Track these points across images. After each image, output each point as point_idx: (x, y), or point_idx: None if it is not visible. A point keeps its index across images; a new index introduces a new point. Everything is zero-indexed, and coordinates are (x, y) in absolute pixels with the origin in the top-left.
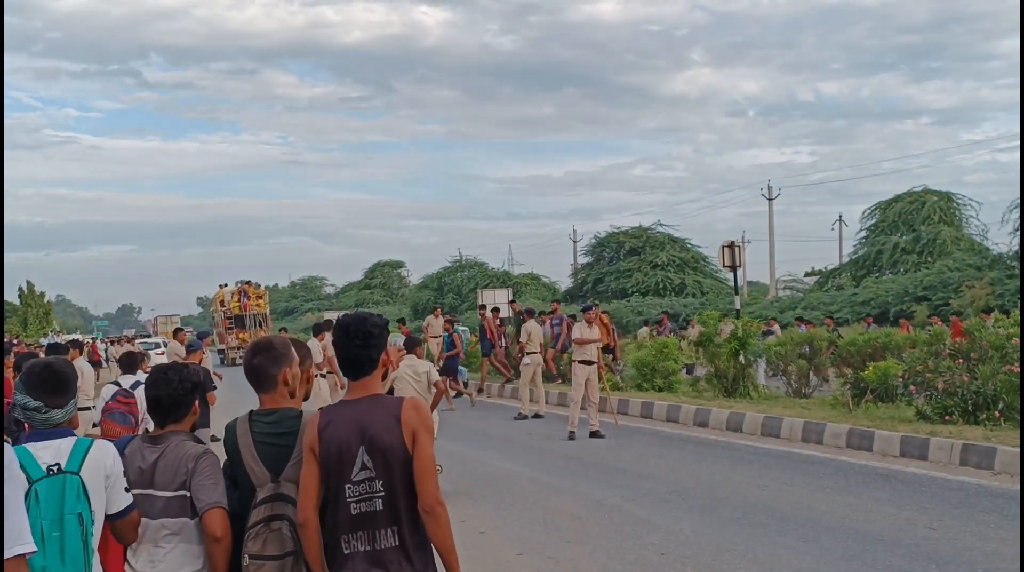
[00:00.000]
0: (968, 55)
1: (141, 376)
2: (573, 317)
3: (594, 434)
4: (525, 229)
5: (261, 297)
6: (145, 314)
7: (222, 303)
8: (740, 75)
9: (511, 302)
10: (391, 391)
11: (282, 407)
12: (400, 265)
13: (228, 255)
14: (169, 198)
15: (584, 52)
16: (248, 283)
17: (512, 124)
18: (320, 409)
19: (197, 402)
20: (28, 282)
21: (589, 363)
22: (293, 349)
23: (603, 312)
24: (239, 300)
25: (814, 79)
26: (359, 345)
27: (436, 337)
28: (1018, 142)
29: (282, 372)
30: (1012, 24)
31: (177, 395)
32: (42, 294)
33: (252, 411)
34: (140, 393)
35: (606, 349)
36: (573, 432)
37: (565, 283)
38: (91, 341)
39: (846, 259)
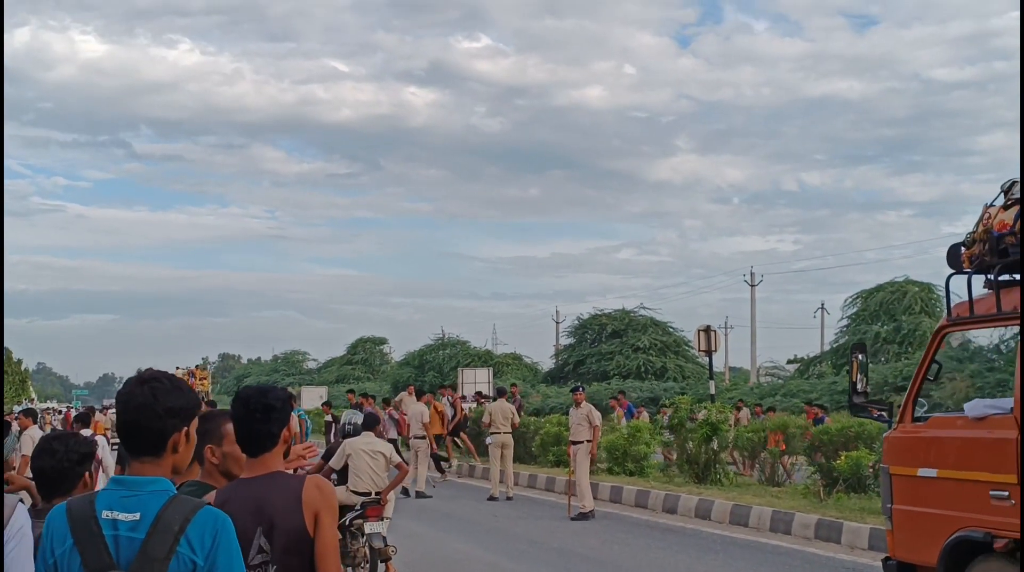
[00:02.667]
0: (948, 150)
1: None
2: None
3: (582, 515)
4: (509, 309)
5: (204, 378)
6: None
7: None
8: (724, 163)
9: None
10: (345, 467)
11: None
12: (383, 341)
13: (211, 327)
14: (154, 269)
15: (570, 136)
16: (197, 367)
17: (498, 204)
18: (216, 489)
19: (88, 474)
20: (6, 349)
21: (577, 443)
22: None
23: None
24: (188, 379)
25: (797, 169)
26: (259, 419)
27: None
28: None
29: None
30: (990, 121)
31: (62, 467)
32: (19, 361)
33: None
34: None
35: None
36: (586, 513)
37: (547, 364)
38: (65, 410)
39: (827, 347)
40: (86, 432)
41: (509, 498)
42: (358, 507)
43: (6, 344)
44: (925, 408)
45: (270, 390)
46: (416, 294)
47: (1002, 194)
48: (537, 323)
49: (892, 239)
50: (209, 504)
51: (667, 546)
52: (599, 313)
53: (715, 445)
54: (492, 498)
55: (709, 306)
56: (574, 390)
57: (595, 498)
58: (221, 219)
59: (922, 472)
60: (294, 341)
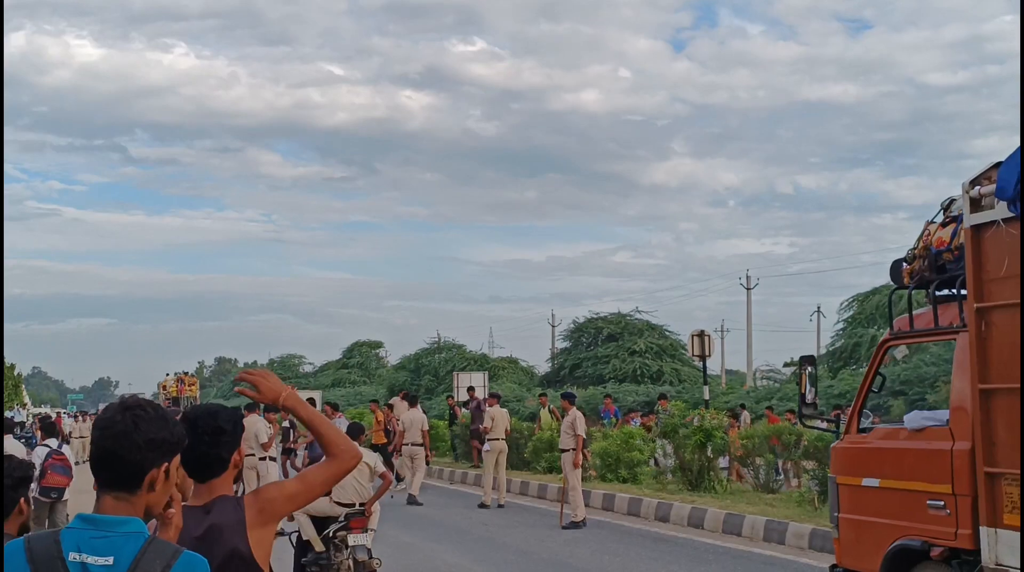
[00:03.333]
0: (943, 154)
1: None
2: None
3: (574, 524)
4: (506, 312)
5: (193, 384)
6: (122, 388)
7: (164, 388)
8: (720, 166)
9: (468, 389)
10: None
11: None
12: (378, 345)
13: (207, 331)
14: (150, 272)
15: (566, 139)
16: (186, 373)
17: (494, 208)
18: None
19: (25, 500)
20: None
21: (564, 452)
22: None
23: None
24: (177, 386)
25: (793, 172)
26: (208, 442)
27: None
28: None
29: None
30: (985, 125)
31: None
32: (12, 366)
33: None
34: (66, 450)
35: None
36: (578, 522)
37: (543, 367)
38: (56, 415)
39: (823, 350)
40: (52, 442)
41: (501, 505)
42: (342, 518)
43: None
44: (871, 419)
45: (220, 411)
46: (412, 298)
47: (941, 211)
48: (533, 326)
49: (887, 242)
50: (188, 549)
51: (658, 556)
52: (595, 316)
53: (709, 452)
54: (483, 505)
55: (705, 309)
56: (563, 397)
57: (587, 506)
58: (217, 223)
59: (866, 482)
60: (290, 345)
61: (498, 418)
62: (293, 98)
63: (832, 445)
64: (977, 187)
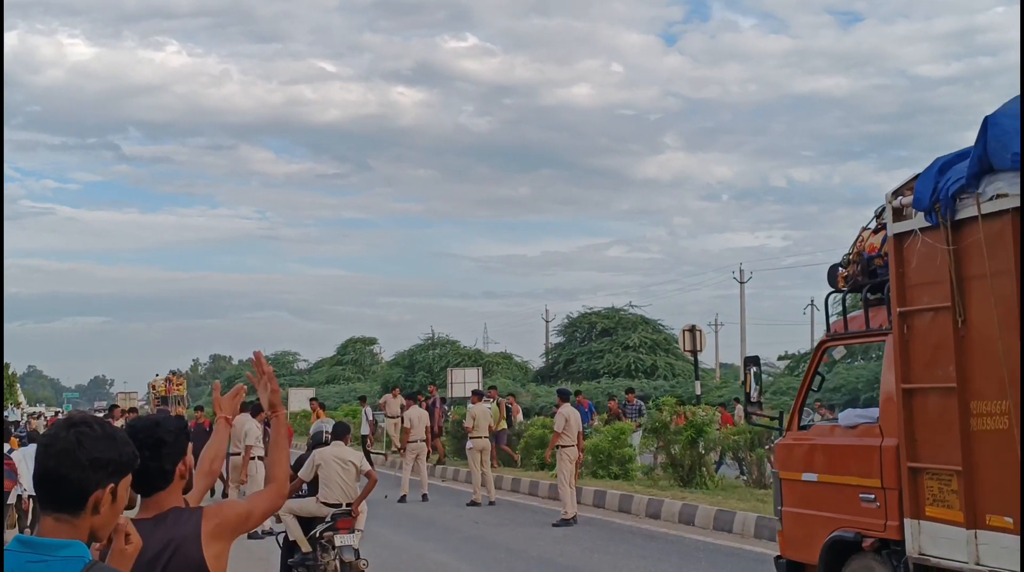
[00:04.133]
0: (936, 146)
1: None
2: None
3: (564, 522)
4: (500, 307)
5: (180, 383)
6: (117, 386)
7: (154, 388)
8: (713, 160)
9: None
10: (316, 479)
11: None
12: (373, 342)
13: (202, 328)
14: (144, 270)
15: (559, 134)
16: (174, 373)
17: (488, 203)
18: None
19: None
20: None
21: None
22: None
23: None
24: (165, 385)
25: (786, 165)
26: (148, 456)
27: (393, 417)
28: None
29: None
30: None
31: None
32: (7, 365)
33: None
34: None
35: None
36: (567, 519)
37: (538, 363)
38: (54, 414)
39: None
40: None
41: (492, 503)
42: (328, 519)
43: None
44: (811, 417)
45: (162, 421)
46: (407, 294)
47: (874, 218)
48: (528, 322)
49: None
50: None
51: (648, 554)
52: (589, 311)
53: (700, 448)
54: (473, 503)
55: (699, 303)
56: (559, 393)
57: (578, 503)
58: (211, 220)
59: (805, 476)
60: (285, 342)
61: (479, 416)
62: (285, 95)
63: (775, 442)
64: (900, 198)
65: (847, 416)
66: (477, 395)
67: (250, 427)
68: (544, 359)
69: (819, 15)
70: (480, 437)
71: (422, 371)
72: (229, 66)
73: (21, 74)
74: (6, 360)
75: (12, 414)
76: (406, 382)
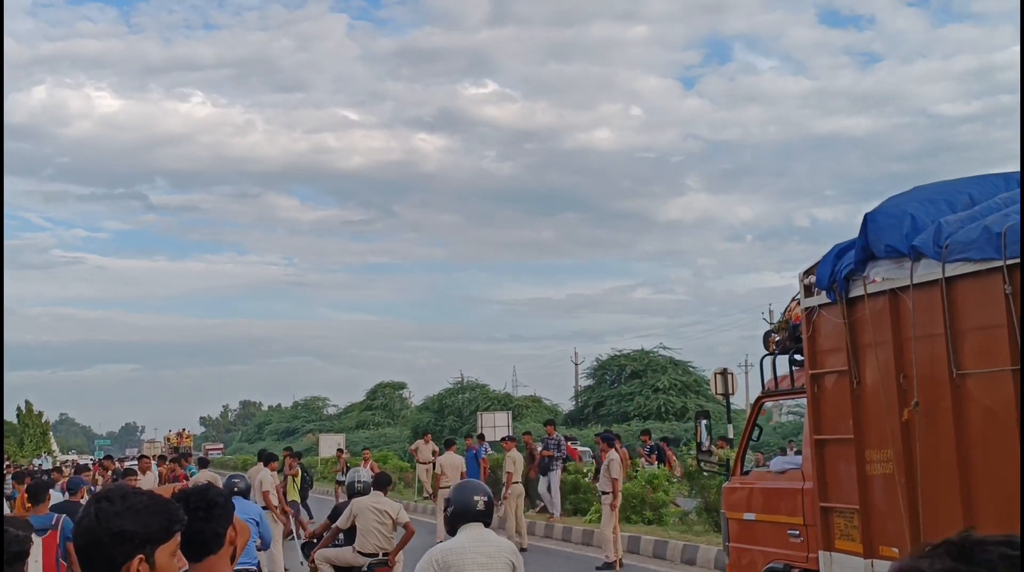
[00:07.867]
0: None
1: None
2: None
3: (607, 566)
4: (528, 350)
5: (188, 437)
6: (148, 433)
7: (168, 440)
8: (736, 201)
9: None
10: (352, 528)
11: None
12: (402, 386)
13: (231, 374)
14: (174, 318)
15: (581, 178)
16: (183, 429)
17: (513, 247)
18: None
19: None
20: (27, 401)
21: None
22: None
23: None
24: (177, 438)
25: (809, 205)
26: (202, 518)
27: (425, 463)
28: None
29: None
30: (1001, 153)
31: None
32: (40, 413)
33: None
34: None
35: None
36: (611, 563)
37: (567, 405)
38: (94, 463)
39: None
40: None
41: (524, 549)
42: (365, 568)
43: (27, 397)
44: (753, 464)
45: (211, 486)
46: (434, 338)
47: (802, 291)
48: (556, 364)
49: None
50: None
51: None
52: (618, 353)
53: None
54: None
55: (728, 344)
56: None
57: None
58: (239, 267)
59: (746, 516)
60: (314, 387)
61: (517, 462)
62: (309, 143)
63: (723, 485)
64: (810, 276)
65: (777, 463)
66: (510, 440)
67: (265, 476)
68: (574, 402)
69: (837, 56)
70: (517, 483)
71: (452, 415)
72: (253, 116)
73: (50, 127)
74: (40, 408)
75: (45, 462)
76: (435, 427)
